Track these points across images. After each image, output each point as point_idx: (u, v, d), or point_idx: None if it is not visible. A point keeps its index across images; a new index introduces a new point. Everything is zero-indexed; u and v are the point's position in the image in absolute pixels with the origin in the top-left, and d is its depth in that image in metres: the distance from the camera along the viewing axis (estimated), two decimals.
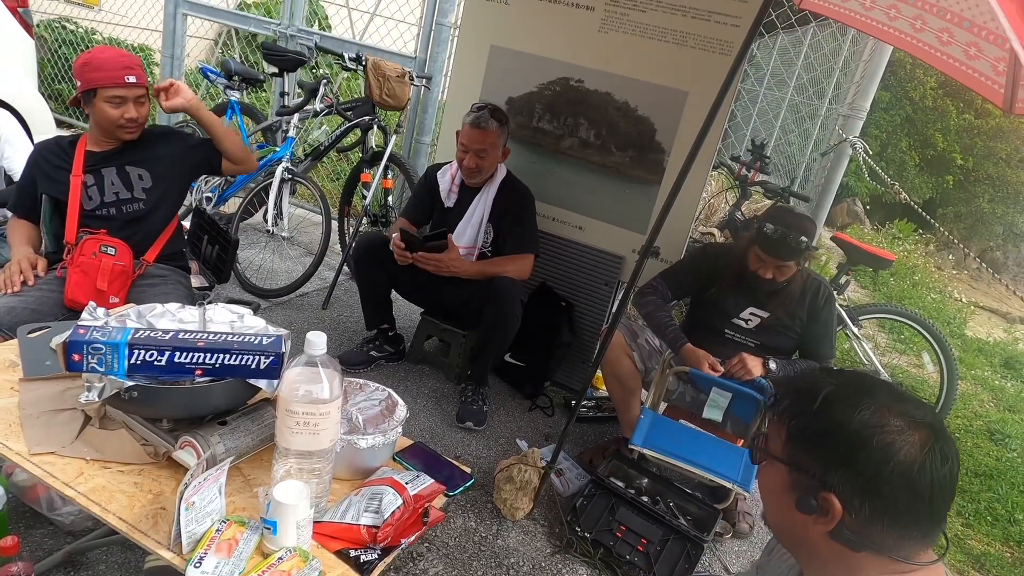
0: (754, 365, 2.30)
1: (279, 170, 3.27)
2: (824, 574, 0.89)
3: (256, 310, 1.59)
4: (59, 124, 4.62)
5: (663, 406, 2.51)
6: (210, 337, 1.24)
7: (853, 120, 3.12)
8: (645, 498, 2.29)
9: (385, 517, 1.14)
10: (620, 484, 2.33)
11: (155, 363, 1.19)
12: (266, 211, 3.30)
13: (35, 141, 2.79)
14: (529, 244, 2.68)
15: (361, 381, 1.45)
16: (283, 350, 1.27)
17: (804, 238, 2.20)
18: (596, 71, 2.76)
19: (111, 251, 1.99)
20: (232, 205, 3.68)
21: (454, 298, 2.72)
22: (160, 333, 1.22)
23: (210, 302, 2.25)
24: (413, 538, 1.19)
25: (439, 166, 2.80)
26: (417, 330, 3.00)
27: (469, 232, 2.70)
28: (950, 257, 10.67)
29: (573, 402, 2.91)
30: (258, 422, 1.31)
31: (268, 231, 3.32)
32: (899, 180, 10.90)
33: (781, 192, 3.15)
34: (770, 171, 3.33)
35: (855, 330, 3.10)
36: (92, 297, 1.93)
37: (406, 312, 3.30)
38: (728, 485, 2.20)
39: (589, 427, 2.86)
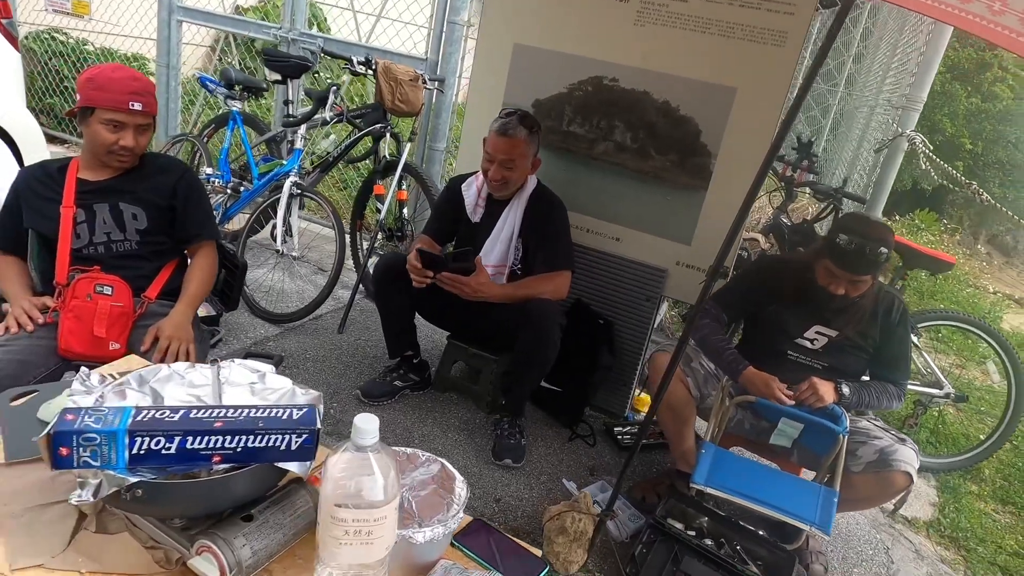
0: (826, 391, 2.06)
1: (287, 185, 3.04)
2: None
3: (279, 364, 1.36)
4: (51, 140, 4.39)
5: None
6: (229, 414, 1.01)
7: (909, 112, 2.88)
8: (709, 541, 2.06)
9: None
10: (679, 526, 2.10)
11: (163, 451, 0.96)
12: (273, 227, 3.07)
13: (25, 163, 2.56)
14: (564, 260, 2.44)
15: (409, 451, 1.21)
16: (318, 425, 1.04)
17: (884, 249, 1.97)
18: (632, 68, 2.52)
19: (108, 291, 1.77)
20: (237, 222, 3.45)
21: (484, 321, 2.49)
22: (168, 413, 0.99)
23: (219, 340, 2.03)
24: None
25: (463, 178, 2.57)
26: (443, 355, 2.77)
27: (498, 249, 2.47)
28: (964, 250, 10.44)
29: (620, 435, 2.70)
30: (290, 512, 1.08)
31: (278, 250, 3.09)
32: (908, 168, 10.69)
33: (833, 193, 2.91)
34: (818, 170, 3.10)
35: (915, 340, 2.86)
36: (88, 346, 1.70)
37: (429, 334, 3.07)
38: (805, 528, 1.97)
39: (635, 456, 2.62)
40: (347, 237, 3.34)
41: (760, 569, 2.00)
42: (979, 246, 12.21)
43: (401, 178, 3.23)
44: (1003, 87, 12.09)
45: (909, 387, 2.93)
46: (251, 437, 1.00)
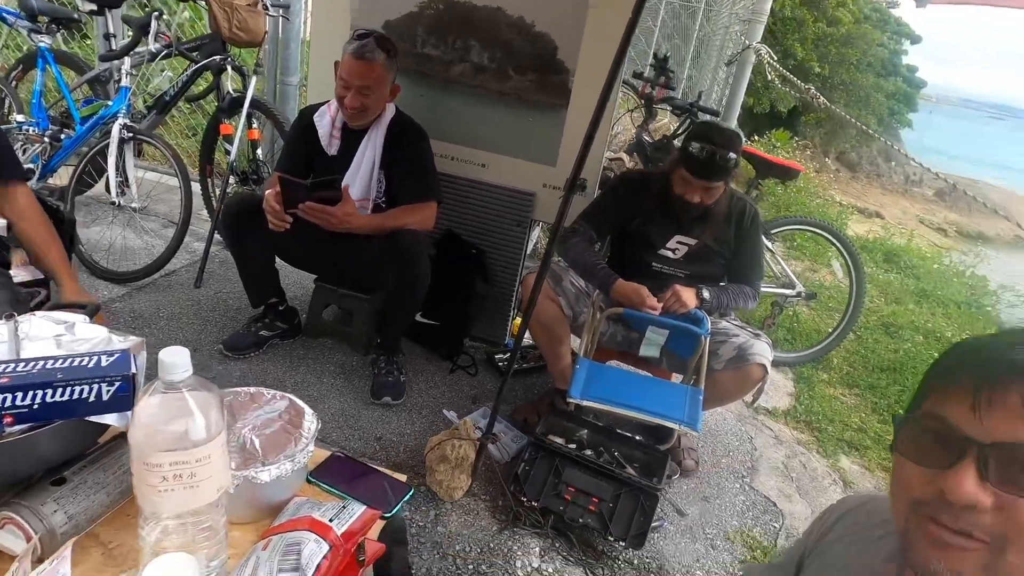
0: (688, 297, 2.15)
1: (116, 128, 2.71)
2: None
3: (93, 314, 1.21)
4: None
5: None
6: (18, 368, 0.88)
7: (755, 25, 2.96)
8: (589, 452, 2.13)
9: (309, 574, 0.86)
10: (560, 441, 2.16)
11: None
12: (107, 179, 2.75)
13: None
14: (430, 190, 2.36)
15: (252, 390, 1.12)
16: (132, 370, 0.93)
17: (732, 155, 2.03)
18: None
19: None
20: (61, 176, 3.07)
21: (351, 259, 2.38)
22: None
23: (40, 302, 1.80)
24: None
25: (314, 108, 2.39)
26: (312, 300, 2.64)
27: (360, 182, 2.34)
28: (815, 164, 11.28)
29: (500, 362, 2.70)
30: (114, 469, 0.97)
31: (114, 203, 2.78)
32: (766, 92, 11.31)
33: (689, 108, 2.98)
34: (674, 86, 3.15)
35: (769, 245, 3.05)
36: None
37: (296, 280, 2.91)
38: (676, 427, 2.07)
39: (516, 380, 2.66)
40: (195, 184, 3.06)
41: (637, 470, 2.09)
42: (828, 161, 13.24)
43: (250, 116, 2.98)
44: (844, 12, 12.90)
45: (767, 289, 3.14)
46: (49, 391, 0.87)
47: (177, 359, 0.77)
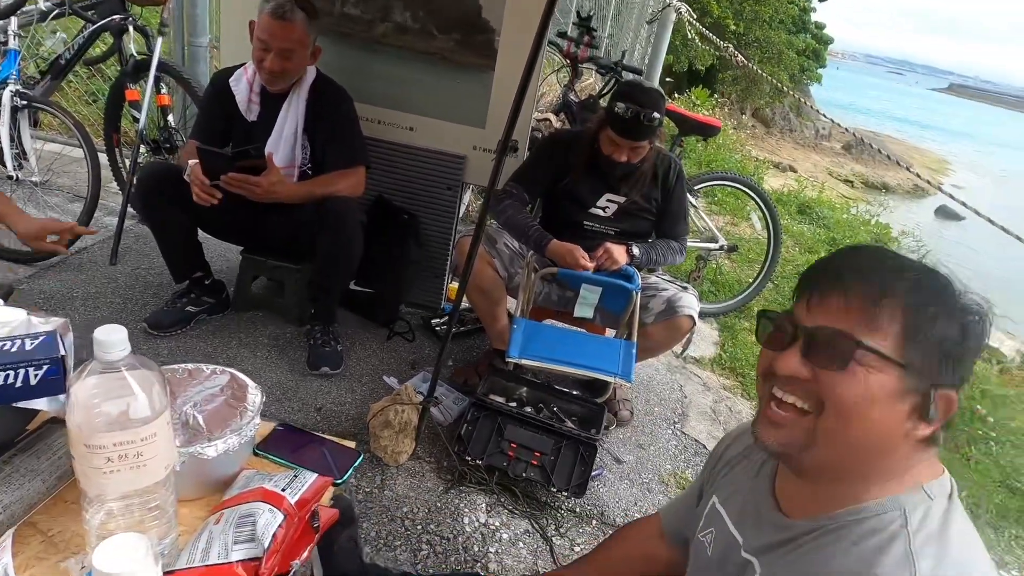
0: (619, 254, 2.21)
1: (6, 95, 2.51)
2: (872, 484, 0.77)
3: (7, 296, 1.14)
4: None
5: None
6: None
7: None
8: (529, 409, 2.19)
9: (266, 545, 0.86)
10: (501, 400, 2.21)
11: None
12: (1, 152, 2.55)
13: None
14: (357, 155, 2.31)
15: (190, 366, 1.10)
16: (61, 352, 0.89)
17: (656, 114, 2.08)
18: None
19: None
20: None
21: (278, 229, 2.31)
22: None
23: None
24: (305, 554, 0.93)
25: (229, 71, 2.28)
26: (239, 272, 2.55)
27: (283, 149, 2.26)
28: (733, 121, 11.64)
29: (437, 327, 2.71)
30: (47, 456, 0.94)
31: (11, 176, 2.59)
32: (685, 50, 11.50)
33: (613, 67, 3.01)
34: (598, 45, 3.17)
35: (693, 201, 3.15)
36: None
37: (221, 252, 2.81)
38: (611, 380, 2.15)
39: (454, 343, 2.67)
40: (102, 155, 2.88)
41: (576, 424, 2.17)
42: (744, 118, 13.67)
43: (157, 80, 2.81)
44: None
45: (692, 244, 3.25)
46: None
47: (113, 337, 0.75)
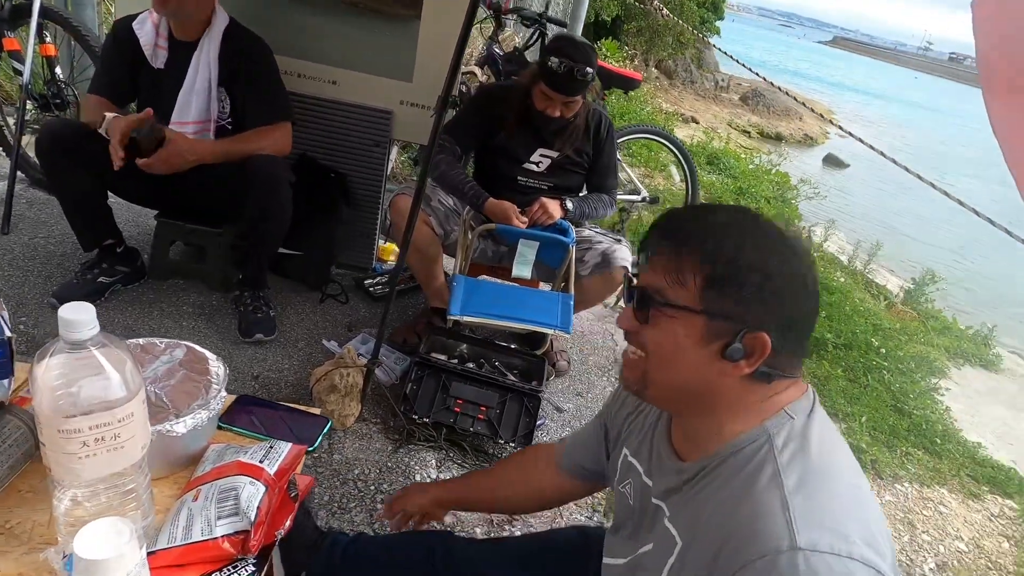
0: (554, 208, 2.24)
1: None
2: (728, 420, 0.84)
3: None
4: None
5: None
6: None
7: None
8: (471, 365, 2.22)
9: (252, 517, 0.85)
10: (443, 358, 2.22)
11: None
12: None
13: None
14: (281, 109, 2.20)
15: (142, 341, 1.04)
16: (7, 334, 0.82)
17: (589, 69, 2.09)
18: None
19: None
20: None
21: (198, 191, 2.19)
22: None
23: None
24: (288, 523, 0.93)
25: (132, 17, 2.09)
26: (155, 238, 2.40)
27: (196, 102, 2.11)
28: (642, 74, 11.79)
29: (371, 287, 2.67)
30: None
31: None
32: (592, 3, 11.48)
33: (538, 19, 2.98)
34: None
35: (618, 154, 3.21)
36: None
37: (131, 217, 2.63)
38: (550, 332, 2.21)
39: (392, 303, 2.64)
40: None
41: (518, 376, 2.22)
42: (651, 70, 13.89)
43: (40, 27, 2.54)
44: None
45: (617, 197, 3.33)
46: None
47: (82, 315, 0.70)
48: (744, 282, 0.78)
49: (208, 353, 1.05)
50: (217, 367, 1.03)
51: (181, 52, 2.08)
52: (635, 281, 0.87)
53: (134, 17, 2.07)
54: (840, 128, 3.10)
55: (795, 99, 3.34)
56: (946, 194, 1.99)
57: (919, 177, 1.96)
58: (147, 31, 2.05)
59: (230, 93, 2.15)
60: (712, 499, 0.80)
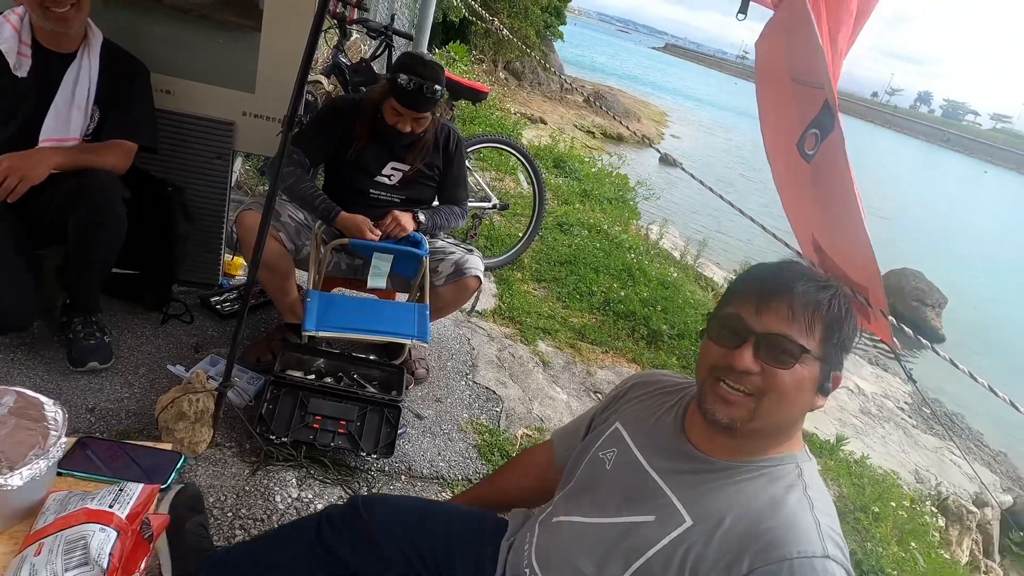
0: (406, 221, 2.29)
1: None
2: (775, 444, 1.04)
3: None
4: None
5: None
6: None
7: None
8: (329, 379, 2.22)
9: (104, 565, 0.84)
10: (299, 374, 2.20)
11: None
12: None
13: None
14: (136, 129, 2.10)
15: None
16: None
17: (438, 87, 2.17)
18: None
19: None
20: None
21: (19, 209, 1.99)
22: None
23: None
24: (143, 565, 0.92)
25: None
26: None
27: (76, 116, 1.99)
28: (490, 77, 12.08)
29: (218, 304, 2.58)
30: None
31: None
32: (439, 3, 11.57)
33: (384, 30, 2.99)
34: (368, 7, 3.11)
35: (467, 164, 3.31)
36: None
37: None
38: (408, 342, 2.26)
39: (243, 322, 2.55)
40: None
41: (377, 387, 2.25)
42: (500, 73, 14.25)
43: None
44: None
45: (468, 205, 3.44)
46: None
47: None
48: (845, 335, 1.00)
49: (43, 398, 1.00)
50: (54, 412, 0.99)
51: (54, 63, 1.94)
52: (744, 326, 0.99)
53: None
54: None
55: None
56: (731, 204, 2.29)
57: (711, 189, 2.25)
58: (7, 36, 1.87)
59: (102, 110, 2.03)
60: (738, 496, 0.99)
